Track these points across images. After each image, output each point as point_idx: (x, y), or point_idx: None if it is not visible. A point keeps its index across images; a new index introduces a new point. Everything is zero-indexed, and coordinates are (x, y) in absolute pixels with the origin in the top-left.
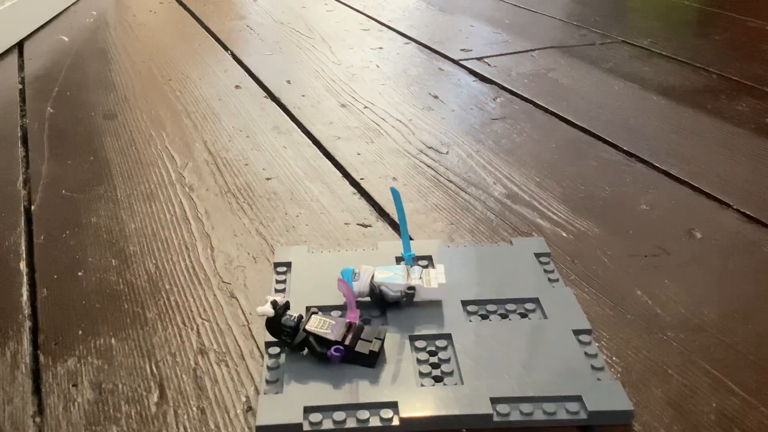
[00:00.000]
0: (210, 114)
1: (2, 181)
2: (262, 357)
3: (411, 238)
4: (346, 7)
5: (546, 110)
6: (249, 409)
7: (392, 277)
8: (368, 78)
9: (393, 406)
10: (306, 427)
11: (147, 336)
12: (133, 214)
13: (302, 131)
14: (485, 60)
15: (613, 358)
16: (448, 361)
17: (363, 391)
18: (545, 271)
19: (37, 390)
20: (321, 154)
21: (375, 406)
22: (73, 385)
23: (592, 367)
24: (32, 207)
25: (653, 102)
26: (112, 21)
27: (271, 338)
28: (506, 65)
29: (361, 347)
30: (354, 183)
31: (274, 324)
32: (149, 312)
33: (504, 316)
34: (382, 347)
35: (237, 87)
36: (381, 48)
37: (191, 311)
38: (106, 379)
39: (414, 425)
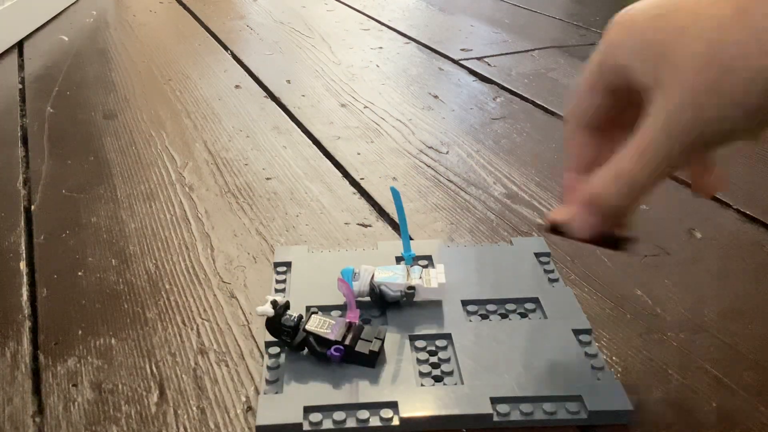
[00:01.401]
0: (210, 114)
1: (2, 181)
2: (262, 357)
3: (411, 238)
4: (346, 7)
5: (546, 110)
6: (249, 409)
7: (392, 277)
8: (368, 78)
9: (393, 406)
10: (306, 426)
11: (147, 336)
12: (133, 214)
13: (302, 131)
14: (485, 60)
15: (613, 358)
16: (448, 360)
17: (363, 391)
18: (545, 271)
19: (37, 390)
20: (321, 154)
21: (375, 406)
22: (73, 385)
23: (592, 367)
24: (32, 207)
25: None
26: (112, 21)
27: (271, 338)
28: (506, 65)
29: (361, 347)
30: (354, 183)
31: (274, 324)
32: (149, 312)
33: (504, 316)
34: (382, 347)
35: (237, 87)
36: (381, 48)
37: (191, 311)
38: (106, 379)
39: (414, 425)
